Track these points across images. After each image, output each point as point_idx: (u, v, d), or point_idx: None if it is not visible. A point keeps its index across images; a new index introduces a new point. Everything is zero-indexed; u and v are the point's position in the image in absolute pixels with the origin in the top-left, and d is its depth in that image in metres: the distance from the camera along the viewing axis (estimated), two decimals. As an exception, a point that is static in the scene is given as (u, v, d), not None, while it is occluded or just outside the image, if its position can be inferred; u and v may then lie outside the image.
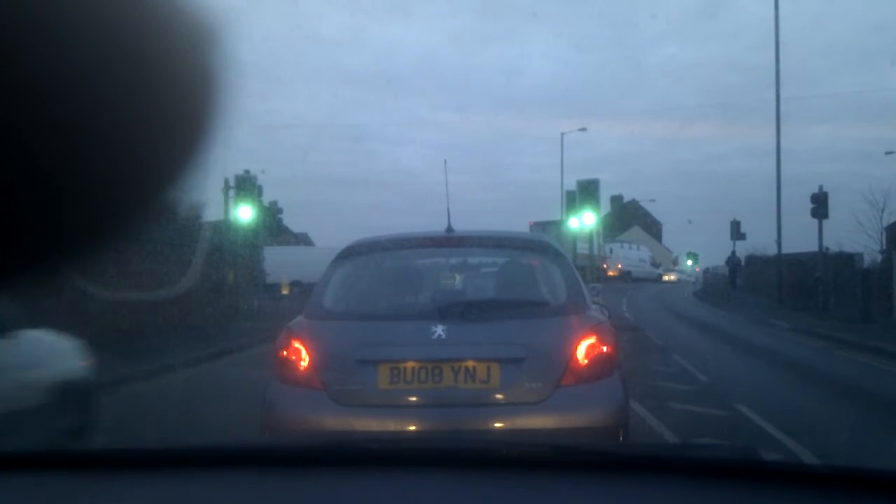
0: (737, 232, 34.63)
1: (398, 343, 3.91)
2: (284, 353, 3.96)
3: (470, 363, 3.77)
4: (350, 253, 4.63)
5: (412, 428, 3.75)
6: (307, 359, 3.88)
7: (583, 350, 3.84)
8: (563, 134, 38.57)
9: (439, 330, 3.85)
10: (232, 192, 19.11)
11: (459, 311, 4.05)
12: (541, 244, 5.02)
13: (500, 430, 3.73)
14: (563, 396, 3.75)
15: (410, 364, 3.78)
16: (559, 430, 3.66)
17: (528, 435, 3.63)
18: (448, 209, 4.61)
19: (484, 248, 5.15)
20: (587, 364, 3.82)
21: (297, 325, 4.16)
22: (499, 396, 3.75)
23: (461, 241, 4.73)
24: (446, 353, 3.80)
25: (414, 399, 3.77)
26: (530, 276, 4.74)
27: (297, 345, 3.94)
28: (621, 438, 3.83)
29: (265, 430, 3.97)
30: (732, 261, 35.86)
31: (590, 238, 23.49)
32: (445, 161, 5.24)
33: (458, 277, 5.72)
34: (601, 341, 3.89)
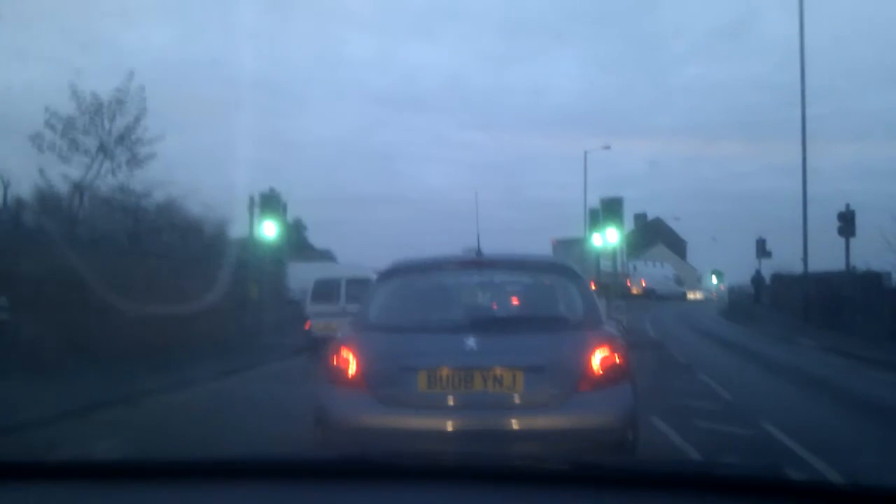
0: (762, 250, 34.32)
1: (435, 353, 4.39)
2: (335, 360, 4.48)
3: (497, 371, 4.25)
4: (392, 273, 5.27)
5: (448, 424, 4.22)
6: (355, 365, 4.40)
7: (597, 360, 4.34)
8: (586, 152, 38.51)
9: (471, 341, 4.36)
10: (257, 210, 19.25)
11: (488, 325, 4.68)
12: (561, 266, 5.51)
13: (521, 432, 4.16)
14: (578, 401, 4.25)
15: (445, 371, 4.27)
16: (575, 431, 4.14)
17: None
18: (478, 235, 5.22)
19: (510, 269, 5.67)
20: (601, 373, 4.33)
21: (346, 336, 4.71)
22: (522, 400, 4.23)
23: (490, 263, 5.32)
24: (477, 362, 4.27)
25: (448, 401, 4.24)
26: (551, 294, 5.32)
27: (346, 353, 4.47)
28: (630, 438, 4.33)
29: (318, 428, 4.43)
30: (757, 279, 35.55)
31: (613, 255, 23.38)
32: (476, 193, 5.81)
33: (486, 296, 6.09)
34: (613, 353, 4.39)
